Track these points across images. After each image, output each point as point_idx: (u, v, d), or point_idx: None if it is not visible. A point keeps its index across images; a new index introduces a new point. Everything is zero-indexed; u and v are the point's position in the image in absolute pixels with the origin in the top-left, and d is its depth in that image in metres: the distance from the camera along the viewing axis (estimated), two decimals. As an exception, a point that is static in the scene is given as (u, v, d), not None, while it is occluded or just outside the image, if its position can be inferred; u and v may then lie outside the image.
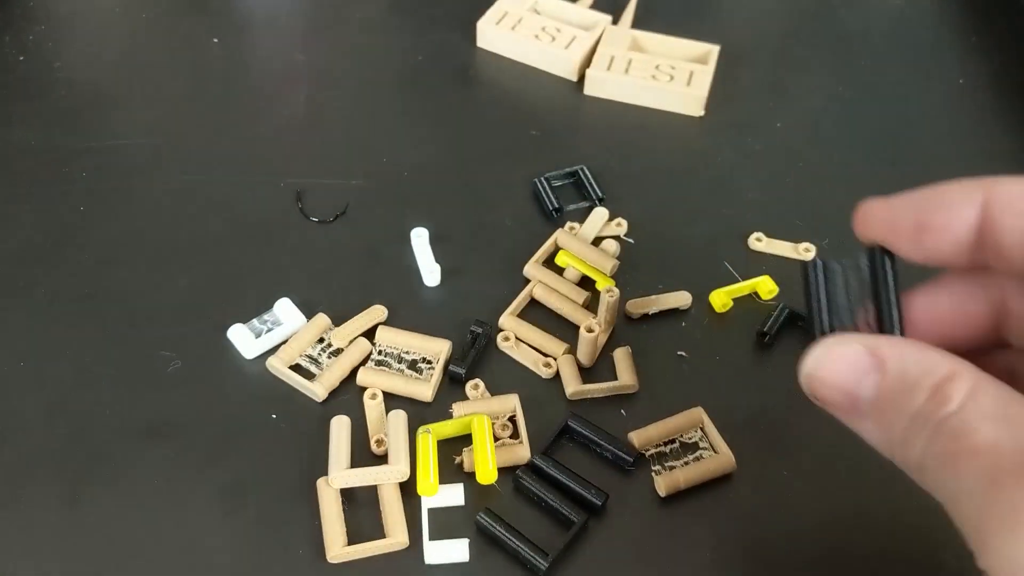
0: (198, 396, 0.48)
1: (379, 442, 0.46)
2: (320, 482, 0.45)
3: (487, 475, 0.44)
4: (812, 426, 0.48)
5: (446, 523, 0.44)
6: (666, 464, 0.46)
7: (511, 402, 0.48)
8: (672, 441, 0.47)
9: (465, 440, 0.47)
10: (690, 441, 0.47)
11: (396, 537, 0.43)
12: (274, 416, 0.48)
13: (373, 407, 0.48)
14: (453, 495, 0.44)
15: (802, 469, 0.46)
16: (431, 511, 0.44)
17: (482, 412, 0.47)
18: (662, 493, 0.45)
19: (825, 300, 0.33)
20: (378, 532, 0.43)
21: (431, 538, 0.43)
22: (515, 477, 0.45)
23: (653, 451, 0.47)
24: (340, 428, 0.46)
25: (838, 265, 0.33)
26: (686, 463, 0.46)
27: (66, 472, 0.45)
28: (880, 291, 0.32)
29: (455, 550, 0.42)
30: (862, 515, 0.45)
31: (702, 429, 0.47)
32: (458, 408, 0.47)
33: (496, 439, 0.46)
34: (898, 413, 0.28)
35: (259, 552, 0.43)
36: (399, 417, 0.46)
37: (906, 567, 0.43)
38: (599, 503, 0.44)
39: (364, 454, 0.46)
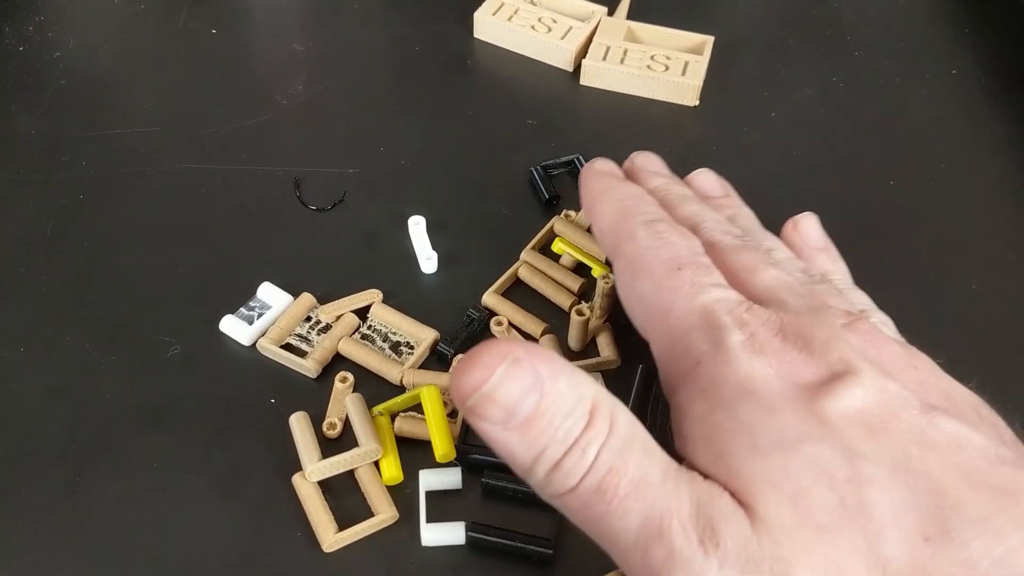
0: (197, 381, 0.49)
1: (331, 425, 0.47)
2: (296, 478, 0.45)
3: (445, 455, 0.44)
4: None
5: (442, 506, 0.44)
6: None
7: None
8: None
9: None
10: None
11: (385, 513, 0.43)
12: (273, 401, 0.48)
13: (340, 390, 0.48)
14: (450, 479, 0.45)
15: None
16: (428, 494, 0.45)
17: (432, 383, 0.47)
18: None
19: None
20: (365, 514, 0.44)
21: (428, 520, 0.43)
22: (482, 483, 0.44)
23: None
24: (302, 423, 0.46)
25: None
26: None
27: (66, 458, 0.46)
28: None
29: (451, 533, 0.43)
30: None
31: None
32: (408, 376, 0.48)
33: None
34: (548, 434, 0.28)
35: (258, 537, 0.43)
36: (356, 400, 0.46)
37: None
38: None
39: (324, 443, 0.46)
